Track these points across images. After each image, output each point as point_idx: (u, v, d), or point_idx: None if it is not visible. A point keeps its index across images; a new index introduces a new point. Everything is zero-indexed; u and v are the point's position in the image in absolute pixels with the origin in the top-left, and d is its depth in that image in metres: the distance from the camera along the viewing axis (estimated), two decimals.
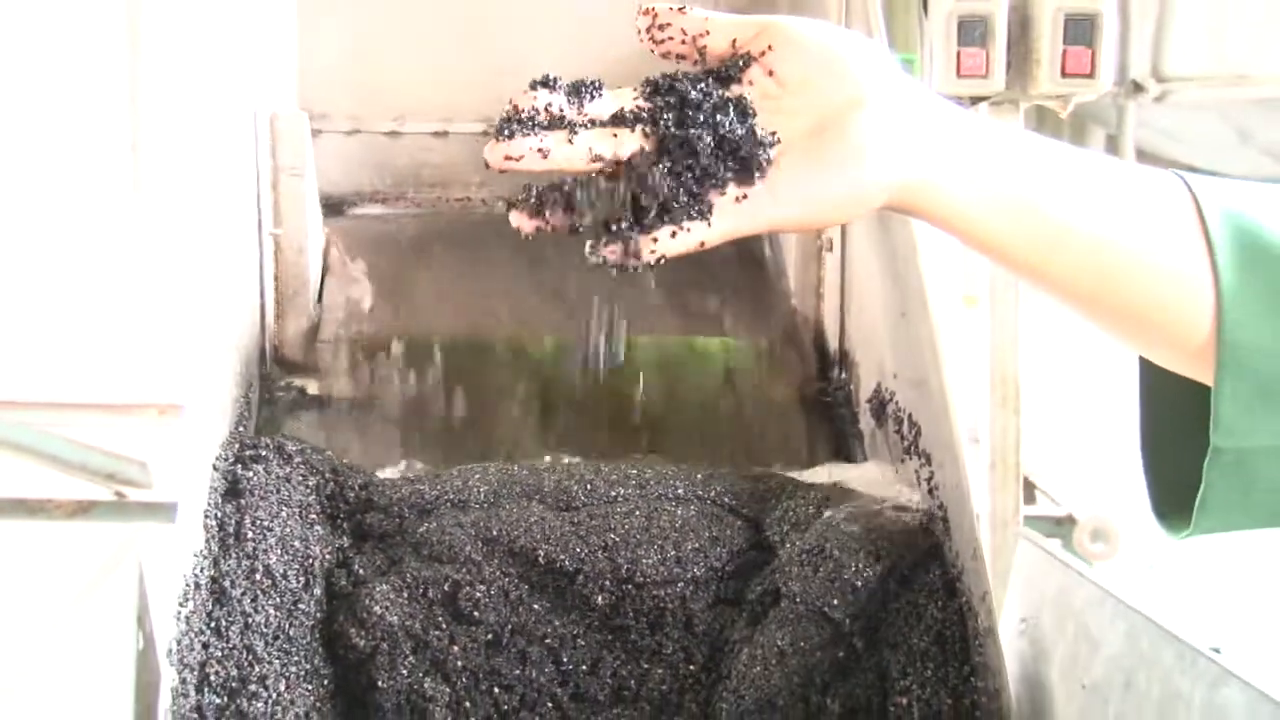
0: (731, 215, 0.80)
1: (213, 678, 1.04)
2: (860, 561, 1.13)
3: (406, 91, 1.72)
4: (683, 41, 0.85)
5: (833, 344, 1.51)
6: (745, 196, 0.80)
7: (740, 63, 0.83)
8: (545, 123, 0.80)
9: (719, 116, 0.81)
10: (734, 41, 0.84)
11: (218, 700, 1.04)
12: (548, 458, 1.38)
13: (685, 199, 0.79)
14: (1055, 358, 2.45)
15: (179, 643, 1.02)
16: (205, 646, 1.05)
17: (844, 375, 1.48)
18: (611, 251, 0.80)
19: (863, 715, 1.08)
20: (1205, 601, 3.28)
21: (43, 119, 3.72)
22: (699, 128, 0.80)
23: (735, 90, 0.82)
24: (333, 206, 1.65)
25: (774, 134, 0.80)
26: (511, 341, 1.54)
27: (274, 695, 1.06)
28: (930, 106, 0.84)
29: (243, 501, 1.14)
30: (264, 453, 1.19)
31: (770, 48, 0.83)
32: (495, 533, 1.17)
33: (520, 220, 0.83)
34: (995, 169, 0.84)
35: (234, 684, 1.05)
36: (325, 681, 1.13)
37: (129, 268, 3.65)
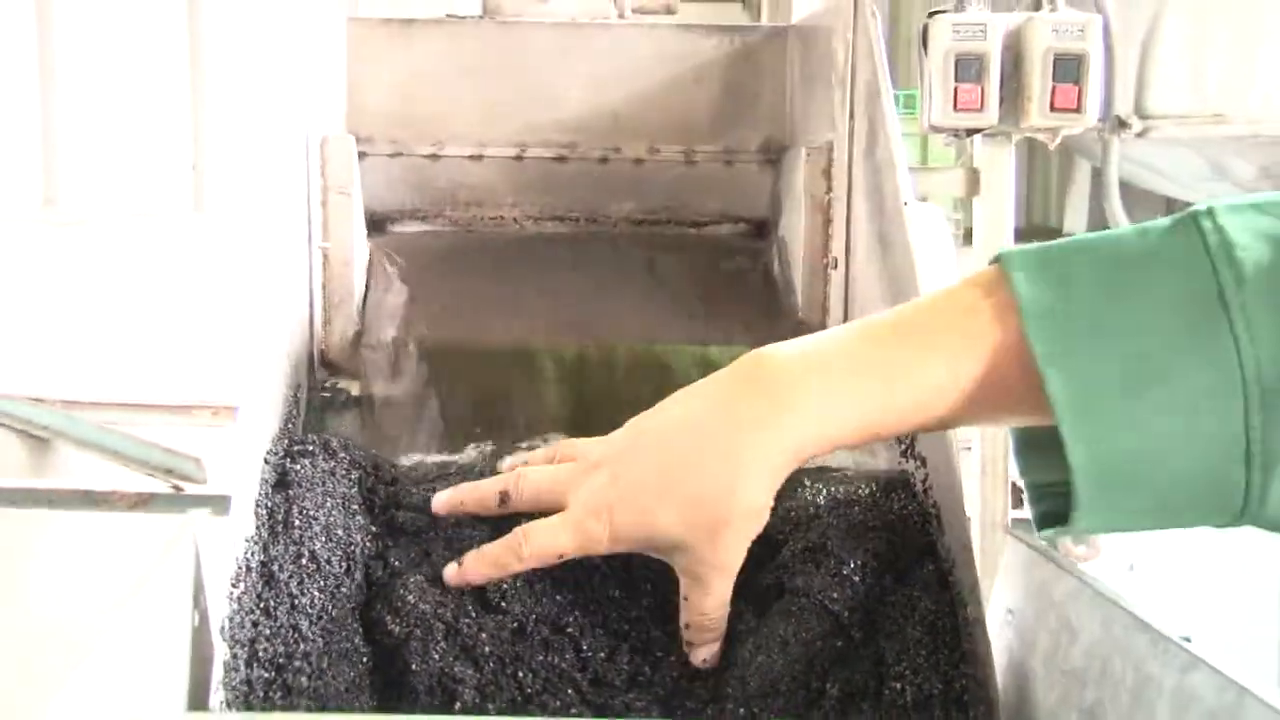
0: None
1: (261, 654, 1.05)
2: (859, 558, 1.13)
3: (445, 118, 1.73)
4: None
5: None
6: None
7: None
8: None
9: None
10: None
11: (266, 675, 1.04)
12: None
13: None
14: None
15: (231, 620, 1.03)
16: (255, 625, 1.06)
17: None
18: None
19: (859, 699, 1.09)
20: (1181, 599, 3.27)
21: (115, 141, 3.75)
22: None
23: None
24: (376, 223, 1.66)
25: None
26: (540, 350, 1.54)
27: (317, 671, 1.07)
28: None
29: (291, 492, 1.15)
30: (310, 448, 1.20)
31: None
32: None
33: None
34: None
35: (281, 659, 1.05)
36: (364, 659, 1.13)
37: (192, 280, 3.67)
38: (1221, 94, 3.82)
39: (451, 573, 1.12)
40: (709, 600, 1.07)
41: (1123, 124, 3.75)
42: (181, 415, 3.65)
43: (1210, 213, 0.87)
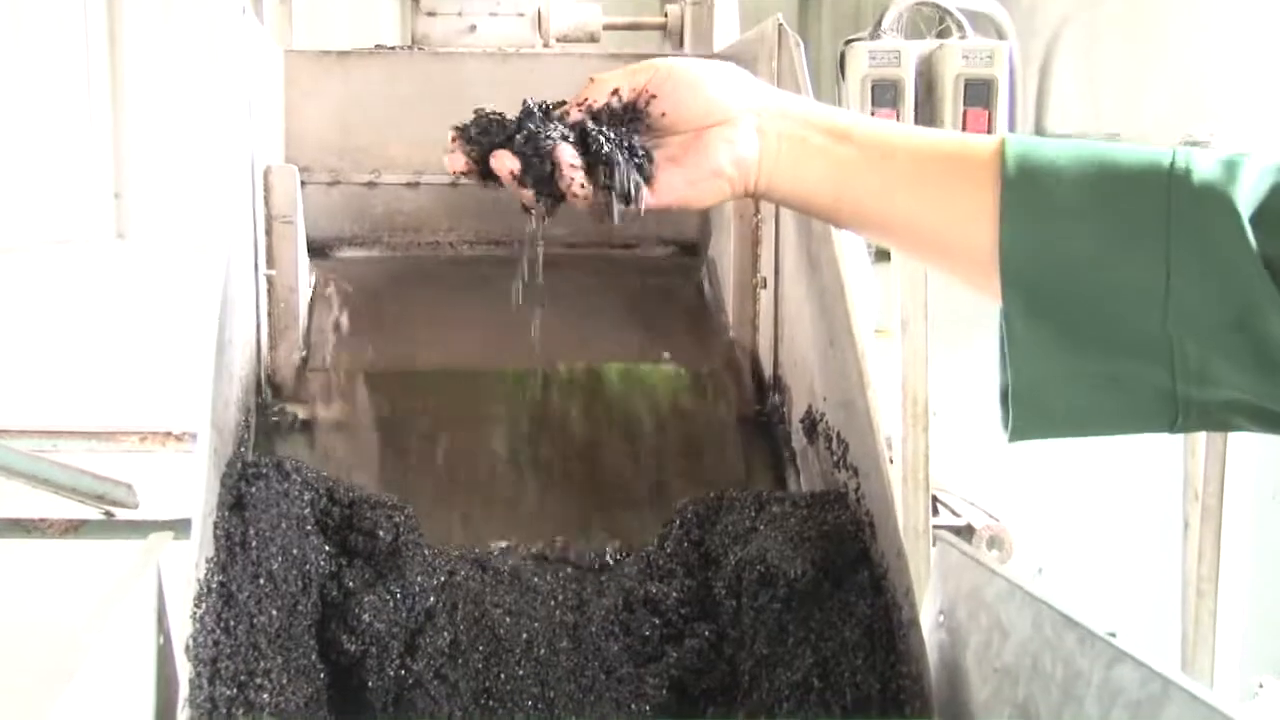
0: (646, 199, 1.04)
1: (224, 671, 1.05)
2: (797, 568, 1.16)
3: (382, 147, 1.74)
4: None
5: (767, 371, 1.54)
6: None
7: (637, 111, 1.07)
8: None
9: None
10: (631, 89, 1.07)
11: (228, 692, 1.05)
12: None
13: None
14: (952, 383, 2.51)
15: (194, 640, 1.04)
16: (216, 644, 1.07)
17: (778, 399, 1.51)
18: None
19: (801, 698, 1.11)
20: (1087, 598, 3.34)
21: (37, 171, 3.71)
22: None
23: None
24: (317, 250, 1.67)
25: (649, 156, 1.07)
26: (477, 369, 1.56)
27: (278, 687, 1.08)
28: (778, 112, 1.05)
29: (247, 514, 1.15)
30: (264, 470, 1.21)
31: (654, 96, 1.06)
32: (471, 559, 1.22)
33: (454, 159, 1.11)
34: (823, 161, 1.04)
35: (243, 677, 1.06)
36: (322, 675, 1.14)
37: (117, 305, 3.64)
38: (1116, 113, 3.91)
39: None
40: None
41: None
42: (108, 441, 3.56)
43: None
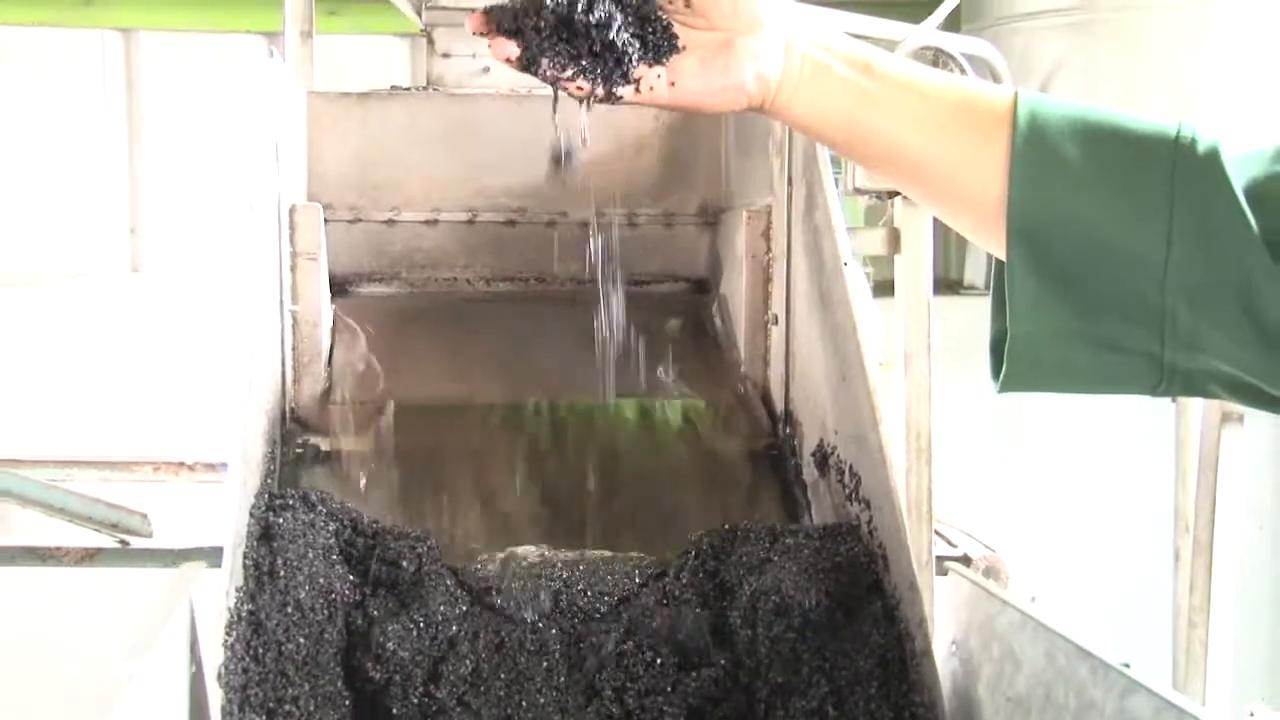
0: (659, 89, 1.00)
1: (253, 699, 1.06)
2: (811, 598, 1.16)
3: (401, 185, 1.75)
4: None
5: (779, 406, 1.55)
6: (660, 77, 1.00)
7: None
8: None
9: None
10: None
11: (258, 718, 1.05)
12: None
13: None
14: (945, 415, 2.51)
15: (225, 667, 1.04)
16: (245, 671, 1.07)
17: (789, 432, 1.52)
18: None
19: None
20: (1079, 627, 3.34)
21: (55, 208, 3.73)
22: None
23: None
24: (338, 286, 1.67)
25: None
26: (493, 402, 1.56)
27: (305, 714, 1.08)
28: (806, 30, 1.02)
29: (275, 544, 1.16)
30: (291, 502, 1.21)
31: None
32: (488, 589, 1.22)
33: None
34: (842, 92, 1.01)
35: (271, 704, 1.06)
36: (347, 702, 1.15)
37: (132, 338, 3.65)
38: None
39: None
40: None
41: None
42: (122, 470, 3.56)
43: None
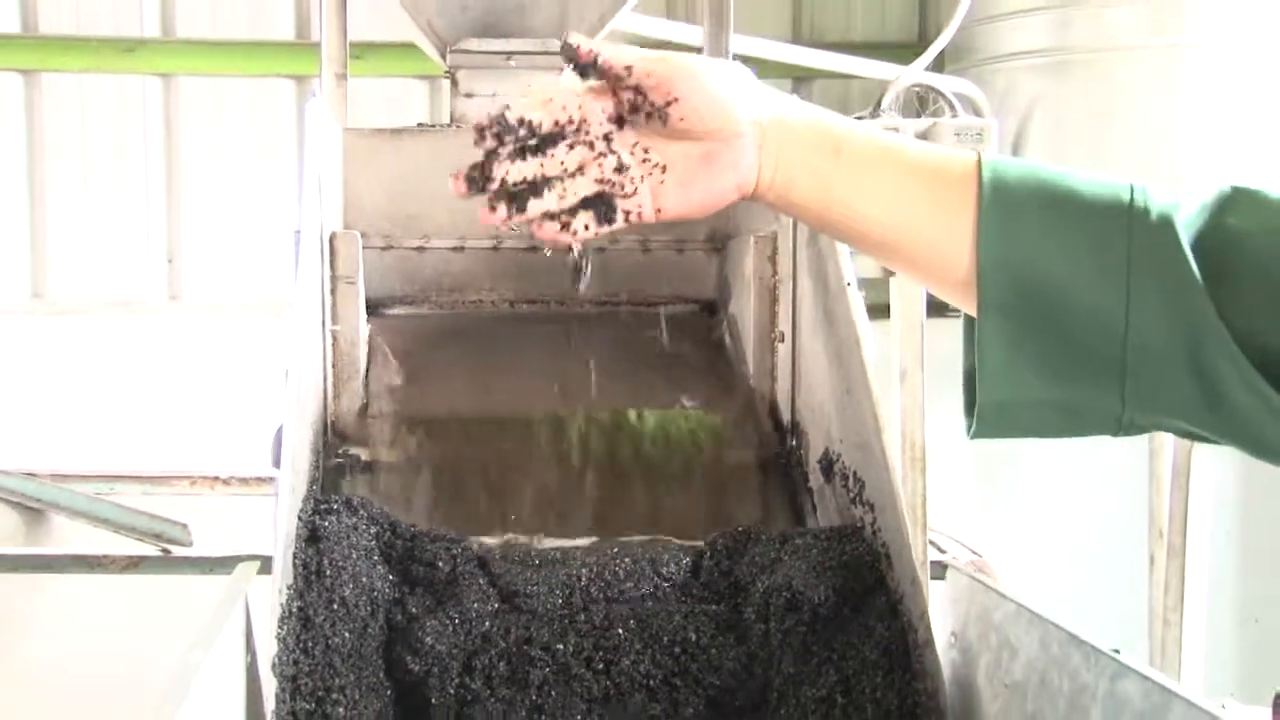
0: (647, 215, 1.02)
1: (303, 688, 1.07)
2: (820, 595, 1.18)
3: (430, 215, 1.76)
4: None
5: (785, 417, 1.56)
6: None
7: (655, 107, 1.00)
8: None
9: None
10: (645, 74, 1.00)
11: (308, 706, 1.06)
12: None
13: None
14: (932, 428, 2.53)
15: (279, 659, 1.05)
16: (296, 663, 1.08)
17: (795, 442, 1.53)
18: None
19: (826, 709, 1.13)
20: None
21: (97, 239, 3.75)
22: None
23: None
24: (372, 308, 1.69)
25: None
26: (517, 415, 1.58)
27: (351, 702, 1.09)
28: (778, 121, 1.02)
29: (321, 546, 1.17)
30: (335, 506, 1.23)
31: (676, 99, 0.99)
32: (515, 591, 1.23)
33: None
34: (811, 181, 1.02)
35: (320, 693, 1.08)
36: (389, 692, 1.16)
37: (169, 361, 3.66)
38: None
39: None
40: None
41: None
42: (162, 484, 3.57)
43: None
